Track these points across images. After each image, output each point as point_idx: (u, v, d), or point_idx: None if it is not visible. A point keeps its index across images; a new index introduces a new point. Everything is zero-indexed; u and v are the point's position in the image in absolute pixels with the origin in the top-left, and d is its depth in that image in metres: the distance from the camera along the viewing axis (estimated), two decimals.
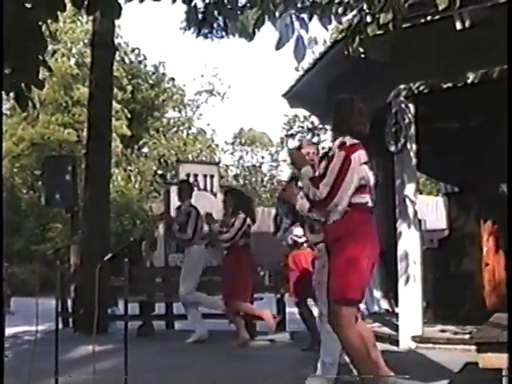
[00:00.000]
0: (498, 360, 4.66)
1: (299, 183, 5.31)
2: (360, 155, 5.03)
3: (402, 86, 8.53)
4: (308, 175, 5.03)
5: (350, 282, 4.89)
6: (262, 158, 51.58)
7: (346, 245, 4.94)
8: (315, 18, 5.42)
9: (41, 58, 5.74)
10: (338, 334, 4.95)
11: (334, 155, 4.98)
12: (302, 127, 39.75)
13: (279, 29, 5.21)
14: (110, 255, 5.22)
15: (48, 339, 5.66)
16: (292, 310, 12.03)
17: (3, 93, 5.82)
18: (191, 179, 16.00)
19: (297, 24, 5.25)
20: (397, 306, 9.21)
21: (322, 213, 5.14)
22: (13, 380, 5.11)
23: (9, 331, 6.71)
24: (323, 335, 5.97)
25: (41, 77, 5.85)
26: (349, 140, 5.03)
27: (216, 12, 6.23)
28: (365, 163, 5.10)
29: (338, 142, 5.07)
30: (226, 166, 47.43)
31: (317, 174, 5.06)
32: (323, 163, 5.11)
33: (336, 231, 5.01)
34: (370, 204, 5.21)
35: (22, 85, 5.61)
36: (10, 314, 12.31)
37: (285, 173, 49.21)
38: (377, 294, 11.78)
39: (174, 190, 15.74)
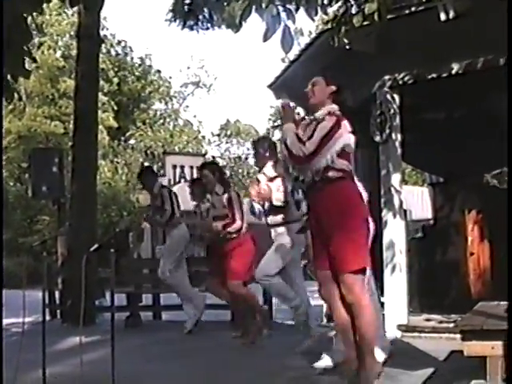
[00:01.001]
0: (482, 348, 4.71)
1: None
2: (347, 123, 5.23)
3: (386, 77, 8.55)
4: (293, 130, 5.15)
5: (360, 251, 5.04)
6: (248, 149, 51.47)
7: (347, 215, 5.05)
8: (301, 8, 5.44)
9: (26, 49, 5.75)
10: (356, 305, 5.01)
11: (323, 119, 5.14)
12: None
13: (266, 20, 5.22)
14: (96, 246, 5.22)
15: (35, 331, 5.67)
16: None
17: None
18: (178, 171, 16.05)
19: (283, 15, 5.26)
20: (382, 295, 9.24)
21: (304, 171, 5.18)
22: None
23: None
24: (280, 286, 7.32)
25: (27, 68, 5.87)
26: (337, 109, 5.27)
27: (202, 3, 6.26)
28: (351, 132, 5.27)
29: (327, 109, 5.28)
30: (213, 157, 47.31)
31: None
32: (310, 127, 5.20)
33: (330, 202, 5.07)
34: (351, 169, 5.28)
35: (8, 76, 5.61)
36: None
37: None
38: None
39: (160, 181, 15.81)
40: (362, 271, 5.02)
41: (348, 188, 5.20)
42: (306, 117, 5.59)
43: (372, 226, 5.27)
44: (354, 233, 5.04)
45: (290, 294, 7.58)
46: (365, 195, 5.32)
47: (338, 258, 5.03)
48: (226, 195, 8.12)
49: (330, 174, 5.12)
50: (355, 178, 5.30)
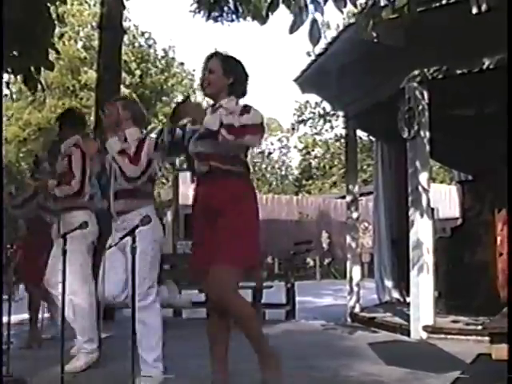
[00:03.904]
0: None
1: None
2: None
3: (415, 72, 8.43)
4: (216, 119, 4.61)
5: (247, 249, 4.69)
6: (272, 144, 51.48)
7: (240, 207, 4.70)
8: (330, 0, 5.30)
9: (50, 40, 5.67)
10: (230, 304, 4.64)
11: (245, 106, 4.76)
12: (314, 113, 39.70)
13: (293, 12, 5.07)
14: (117, 241, 5.07)
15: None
16: (302, 299, 12.04)
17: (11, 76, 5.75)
18: None
19: (311, 7, 5.12)
20: (408, 295, 9.14)
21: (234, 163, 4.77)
22: (18, 366, 5.17)
23: (15, 318, 6.62)
24: (140, 328, 5.22)
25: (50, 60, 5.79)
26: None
27: None
28: None
29: (234, 102, 4.91)
30: None
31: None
32: (232, 114, 4.68)
33: (240, 191, 4.75)
34: None
35: (32, 67, 5.53)
36: (15, 301, 12.19)
37: (295, 160, 49.16)
38: (388, 283, 11.76)
39: (182, 175, 15.74)
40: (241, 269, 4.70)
41: (242, 180, 4.85)
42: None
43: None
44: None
45: None
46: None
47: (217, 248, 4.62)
48: None
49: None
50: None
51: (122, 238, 4.84)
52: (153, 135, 5.28)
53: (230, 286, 4.58)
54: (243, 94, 5.06)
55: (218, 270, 4.51)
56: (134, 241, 4.58)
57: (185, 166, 5.35)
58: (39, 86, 6.18)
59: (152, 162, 5.51)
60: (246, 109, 4.70)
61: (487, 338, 4.84)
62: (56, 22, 6.64)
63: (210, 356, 4.88)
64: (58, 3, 6.29)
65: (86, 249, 6.38)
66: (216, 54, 5.03)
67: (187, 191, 16.08)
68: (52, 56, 6.68)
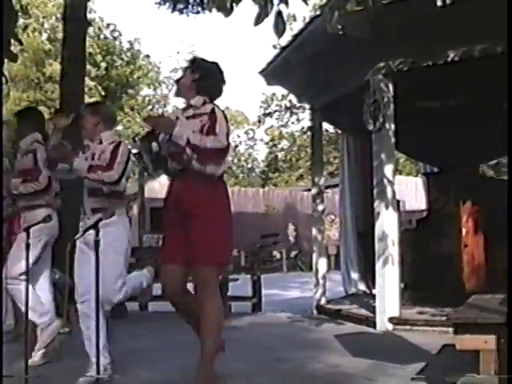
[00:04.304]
0: (475, 342, 4.58)
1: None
2: None
3: (381, 64, 8.44)
4: (188, 129, 4.82)
5: (223, 248, 5.00)
6: (238, 136, 51.43)
7: (215, 211, 4.91)
8: None
9: (12, 31, 5.60)
10: (205, 301, 4.88)
11: (213, 110, 4.94)
12: (280, 105, 39.66)
13: (258, 3, 5.04)
14: (80, 234, 5.07)
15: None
16: (269, 292, 12.04)
17: None
18: None
19: None
20: (374, 287, 9.19)
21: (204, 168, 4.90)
22: None
23: None
24: (87, 332, 5.55)
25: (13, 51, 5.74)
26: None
27: None
28: None
29: (202, 100, 5.06)
30: None
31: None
32: (200, 118, 4.93)
33: (212, 195, 4.92)
34: None
35: None
36: None
37: (261, 152, 49.12)
38: (354, 275, 11.80)
39: None
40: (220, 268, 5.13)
41: (217, 182, 5.04)
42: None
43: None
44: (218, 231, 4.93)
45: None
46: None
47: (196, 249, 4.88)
48: None
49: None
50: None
51: (84, 232, 4.94)
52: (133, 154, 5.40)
53: (212, 286, 4.88)
54: (215, 93, 5.21)
55: (200, 269, 4.77)
56: (97, 234, 4.66)
57: (161, 172, 5.38)
58: (3, 79, 6.11)
59: (128, 164, 5.61)
60: (213, 116, 4.87)
61: (452, 329, 4.87)
62: (20, 14, 6.57)
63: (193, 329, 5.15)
64: None
65: (44, 243, 6.35)
66: (191, 60, 5.33)
67: (153, 184, 16.07)
68: (16, 48, 6.62)
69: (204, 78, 5.11)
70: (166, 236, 5.19)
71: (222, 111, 5.06)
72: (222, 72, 5.29)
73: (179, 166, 4.93)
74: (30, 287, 6.03)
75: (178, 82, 5.33)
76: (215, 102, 5.17)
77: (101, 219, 4.78)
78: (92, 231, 4.80)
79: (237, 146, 51.23)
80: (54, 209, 6.46)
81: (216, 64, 5.29)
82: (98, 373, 4.74)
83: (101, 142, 5.76)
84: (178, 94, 5.36)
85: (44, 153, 6.28)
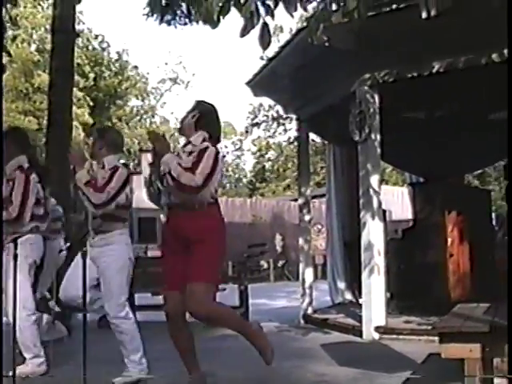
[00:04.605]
0: (460, 350, 4.63)
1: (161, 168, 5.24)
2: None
3: (366, 75, 8.49)
4: (176, 160, 5.21)
5: (217, 268, 5.45)
6: (226, 147, 51.46)
7: (214, 237, 5.31)
8: (281, 4, 5.33)
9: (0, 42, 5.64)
10: (210, 313, 5.26)
11: (206, 149, 5.27)
12: (267, 116, 39.78)
13: (244, 15, 5.09)
14: (68, 244, 5.16)
15: (7, 331, 5.53)
16: (256, 302, 12.05)
17: None
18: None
19: (262, 10, 5.14)
20: (361, 296, 9.22)
21: (188, 200, 5.27)
22: None
23: None
24: (121, 335, 5.98)
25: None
26: (207, 136, 5.45)
27: None
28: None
29: (201, 138, 5.40)
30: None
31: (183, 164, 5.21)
32: (193, 155, 5.29)
33: (202, 224, 5.26)
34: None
35: None
36: None
37: (249, 162, 49.16)
38: (341, 284, 11.84)
39: (136, 179, 15.67)
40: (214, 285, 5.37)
41: (215, 214, 5.47)
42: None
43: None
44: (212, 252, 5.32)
45: None
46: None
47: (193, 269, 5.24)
48: None
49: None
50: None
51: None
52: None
53: (209, 298, 5.17)
54: (214, 130, 5.57)
55: (197, 284, 5.09)
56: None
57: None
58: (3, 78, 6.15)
59: (122, 191, 5.96)
60: (201, 155, 5.21)
61: (437, 338, 4.92)
62: (9, 25, 6.61)
63: (181, 357, 5.48)
64: (9, 6, 6.25)
65: (28, 269, 6.37)
66: (195, 101, 5.68)
67: (141, 194, 15.99)
68: (4, 59, 6.65)
69: (202, 116, 5.46)
70: (167, 264, 5.46)
71: (217, 152, 5.34)
72: (217, 113, 5.66)
73: (176, 199, 5.29)
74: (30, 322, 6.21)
75: (181, 122, 5.62)
76: (215, 139, 5.51)
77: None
78: (97, 249, 5.01)
79: (224, 156, 51.28)
80: (35, 234, 6.46)
81: (212, 105, 5.65)
82: None
83: (103, 167, 6.05)
84: (180, 132, 5.76)
85: (22, 182, 6.34)
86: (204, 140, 5.40)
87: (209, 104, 5.68)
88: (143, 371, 5.99)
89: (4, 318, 5.73)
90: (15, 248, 5.41)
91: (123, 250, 6.00)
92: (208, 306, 5.20)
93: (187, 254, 5.23)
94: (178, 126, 5.73)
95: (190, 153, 5.33)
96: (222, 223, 5.50)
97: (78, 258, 5.89)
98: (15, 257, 5.31)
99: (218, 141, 5.63)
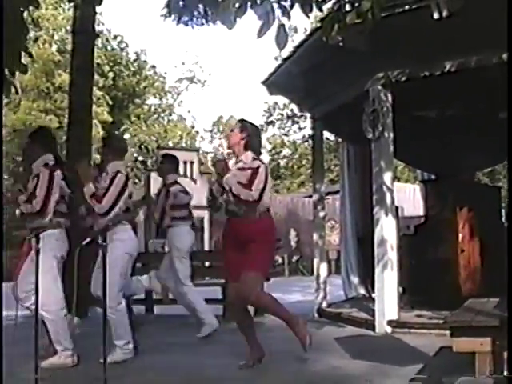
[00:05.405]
0: (471, 344, 4.74)
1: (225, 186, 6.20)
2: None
3: (379, 75, 8.59)
4: (235, 180, 6.15)
5: (267, 263, 6.66)
6: (228, 148, 51.36)
7: (265, 238, 6.31)
8: (296, 5, 5.44)
9: (23, 44, 5.77)
10: (258, 300, 6.35)
11: (258, 167, 6.23)
12: (282, 114, 39.80)
13: (261, 16, 5.22)
14: (88, 239, 5.29)
15: (28, 323, 5.68)
16: None
17: None
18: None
19: (278, 11, 5.26)
20: (373, 291, 9.28)
21: (247, 209, 6.25)
22: None
23: None
24: (111, 321, 6.43)
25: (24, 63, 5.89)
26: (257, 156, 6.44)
27: None
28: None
29: (250, 156, 6.36)
30: (206, 152, 47.44)
31: (241, 180, 6.18)
32: (246, 172, 6.23)
33: (257, 228, 6.24)
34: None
35: (6, 70, 5.63)
36: None
37: (264, 160, 49.11)
38: (354, 279, 11.89)
39: (154, 176, 15.86)
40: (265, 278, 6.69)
41: (268, 220, 6.45)
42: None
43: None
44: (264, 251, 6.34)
45: None
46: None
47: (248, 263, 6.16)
48: None
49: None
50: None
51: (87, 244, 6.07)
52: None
53: (257, 286, 6.19)
54: (258, 147, 6.58)
55: (249, 275, 6.08)
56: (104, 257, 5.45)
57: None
58: (13, 89, 6.28)
59: (121, 196, 6.64)
60: (255, 173, 6.21)
61: (449, 332, 5.03)
62: (31, 26, 6.78)
63: (246, 340, 6.46)
64: (31, 8, 6.39)
65: (55, 263, 6.57)
66: (238, 121, 6.68)
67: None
68: (26, 59, 6.81)
69: (250, 137, 6.41)
70: (231, 262, 6.38)
71: (266, 167, 6.38)
72: (259, 131, 6.93)
73: (237, 208, 6.25)
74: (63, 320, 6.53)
75: (227, 137, 6.82)
76: (258, 153, 6.51)
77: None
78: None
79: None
80: (61, 227, 6.71)
81: (256, 126, 6.79)
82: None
83: (107, 173, 6.77)
84: (229, 147, 6.68)
85: (46, 177, 6.58)
86: (254, 158, 6.33)
87: (253, 125, 6.65)
88: (126, 356, 6.64)
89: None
90: (37, 242, 5.48)
91: (120, 245, 6.58)
92: (256, 293, 6.16)
93: (244, 253, 6.13)
94: (225, 141, 6.72)
95: (242, 168, 6.26)
96: (272, 227, 6.48)
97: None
98: (37, 251, 5.42)
99: (260, 154, 6.60)
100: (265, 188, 6.22)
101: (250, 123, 6.61)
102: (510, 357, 4.50)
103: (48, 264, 6.28)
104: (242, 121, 6.65)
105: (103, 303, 5.58)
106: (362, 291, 11.80)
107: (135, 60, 39.70)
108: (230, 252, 6.39)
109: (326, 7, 6.51)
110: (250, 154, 6.36)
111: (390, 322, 8.37)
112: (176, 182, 8.76)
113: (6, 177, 31.83)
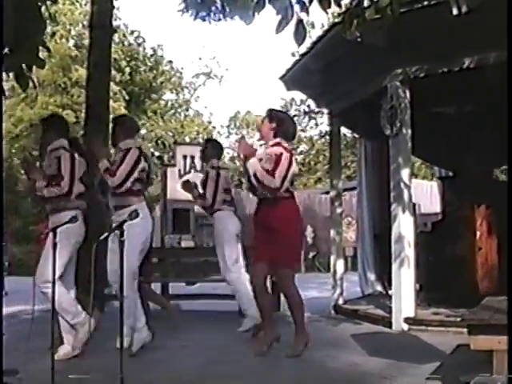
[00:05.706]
0: (488, 342, 4.71)
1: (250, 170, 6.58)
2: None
3: (398, 71, 8.56)
4: (259, 165, 6.48)
5: (298, 252, 7.25)
6: (258, 140, 51.47)
7: (290, 224, 6.62)
8: (315, 0, 5.43)
9: (40, 39, 5.79)
10: (288, 288, 6.73)
11: (281, 154, 6.51)
12: (299, 110, 39.70)
13: (279, 12, 5.21)
14: (105, 234, 5.29)
15: (45, 318, 5.70)
16: None
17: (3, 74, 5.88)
18: (188, 161, 16.07)
19: (297, 7, 5.25)
20: (390, 288, 9.26)
21: (271, 195, 6.58)
22: (9, 358, 5.15)
23: (6, 311, 6.75)
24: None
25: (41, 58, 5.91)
26: (285, 143, 6.72)
27: None
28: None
29: (276, 143, 6.68)
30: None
31: (265, 166, 6.49)
32: (271, 158, 6.53)
33: (280, 212, 6.57)
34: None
35: (23, 65, 5.66)
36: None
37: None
38: (371, 276, 11.88)
39: (170, 171, 15.87)
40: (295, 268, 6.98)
41: (291, 205, 6.74)
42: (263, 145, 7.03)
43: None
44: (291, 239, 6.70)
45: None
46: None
47: (279, 256, 6.54)
48: None
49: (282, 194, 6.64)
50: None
51: (110, 232, 5.55)
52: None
53: (291, 280, 6.68)
54: (289, 136, 6.86)
55: (283, 270, 6.63)
56: (121, 235, 5.07)
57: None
58: (30, 84, 6.30)
59: (135, 168, 6.79)
60: (279, 160, 6.50)
61: (466, 330, 5.01)
62: (48, 21, 6.80)
63: (263, 317, 7.02)
64: (49, 3, 6.42)
65: (73, 244, 6.62)
66: (267, 111, 6.93)
67: (175, 186, 16.19)
68: (43, 54, 6.83)
69: (279, 126, 6.72)
70: (257, 242, 6.77)
71: (291, 155, 6.63)
72: (291, 118, 7.25)
73: (265, 194, 6.60)
74: (64, 289, 6.40)
75: (259, 130, 7.17)
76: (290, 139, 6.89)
77: (125, 220, 5.22)
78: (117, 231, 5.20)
79: (256, 150, 51.30)
80: (81, 210, 6.78)
81: (286, 114, 7.35)
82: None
83: (120, 150, 6.95)
84: (260, 138, 7.14)
85: (68, 159, 6.70)
86: (279, 145, 6.61)
87: (284, 114, 7.20)
88: (146, 339, 6.90)
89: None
90: (54, 236, 5.48)
91: (139, 224, 6.14)
92: (291, 289, 6.66)
93: (271, 236, 6.50)
94: (257, 130, 6.99)
95: (268, 154, 6.55)
96: (296, 212, 6.74)
97: (110, 246, 6.63)
98: (55, 245, 5.44)
99: (293, 138, 7.03)
100: (286, 176, 6.46)
101: (281, 112, 7.05)
102: (510, 357, 4.47)
103: (67, 249, 6.49)
104: (270, 110, 6.94)
105: (119, 290, 5.47)
106: (379, 288, 11.77)
107: (152, 55, 39.73)
108: (258, 233, 6.75)
109: (344, 3, 6.50)
110: (276, 141, 6.67)
111: (406, 320, 8.35)
112: (220, 167, 8.94)
113: (22, 171, 31.99)
